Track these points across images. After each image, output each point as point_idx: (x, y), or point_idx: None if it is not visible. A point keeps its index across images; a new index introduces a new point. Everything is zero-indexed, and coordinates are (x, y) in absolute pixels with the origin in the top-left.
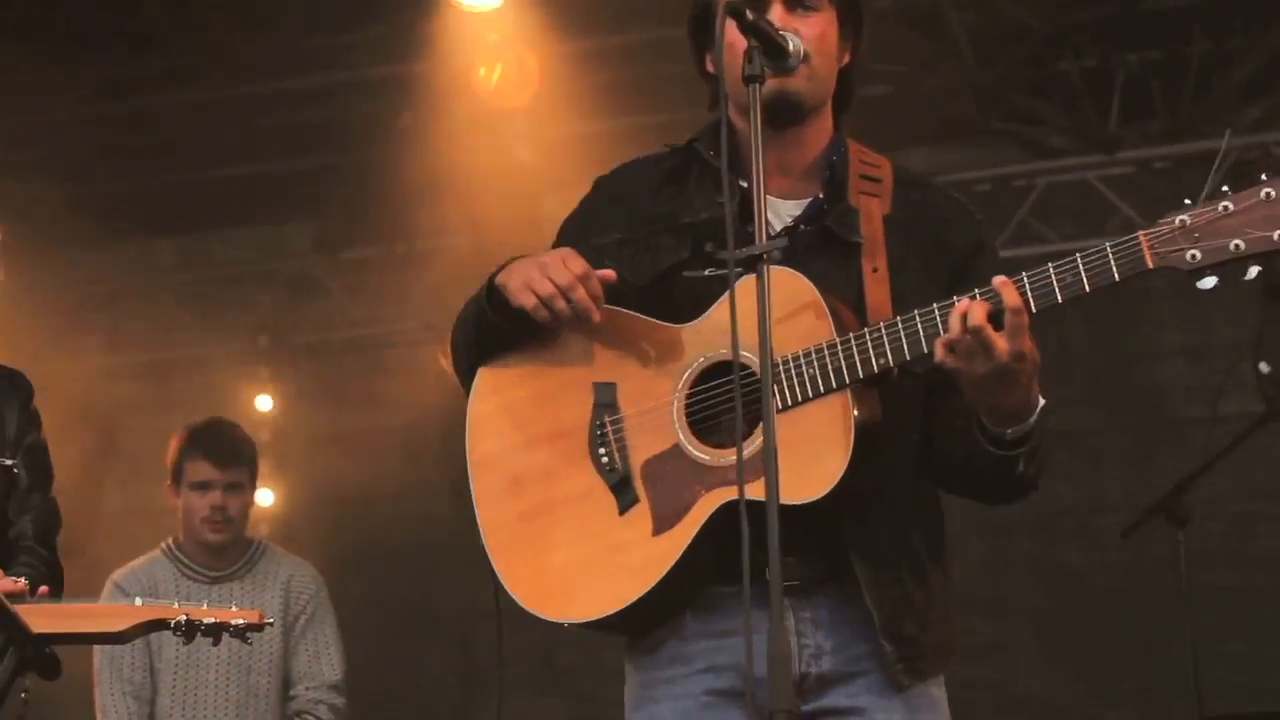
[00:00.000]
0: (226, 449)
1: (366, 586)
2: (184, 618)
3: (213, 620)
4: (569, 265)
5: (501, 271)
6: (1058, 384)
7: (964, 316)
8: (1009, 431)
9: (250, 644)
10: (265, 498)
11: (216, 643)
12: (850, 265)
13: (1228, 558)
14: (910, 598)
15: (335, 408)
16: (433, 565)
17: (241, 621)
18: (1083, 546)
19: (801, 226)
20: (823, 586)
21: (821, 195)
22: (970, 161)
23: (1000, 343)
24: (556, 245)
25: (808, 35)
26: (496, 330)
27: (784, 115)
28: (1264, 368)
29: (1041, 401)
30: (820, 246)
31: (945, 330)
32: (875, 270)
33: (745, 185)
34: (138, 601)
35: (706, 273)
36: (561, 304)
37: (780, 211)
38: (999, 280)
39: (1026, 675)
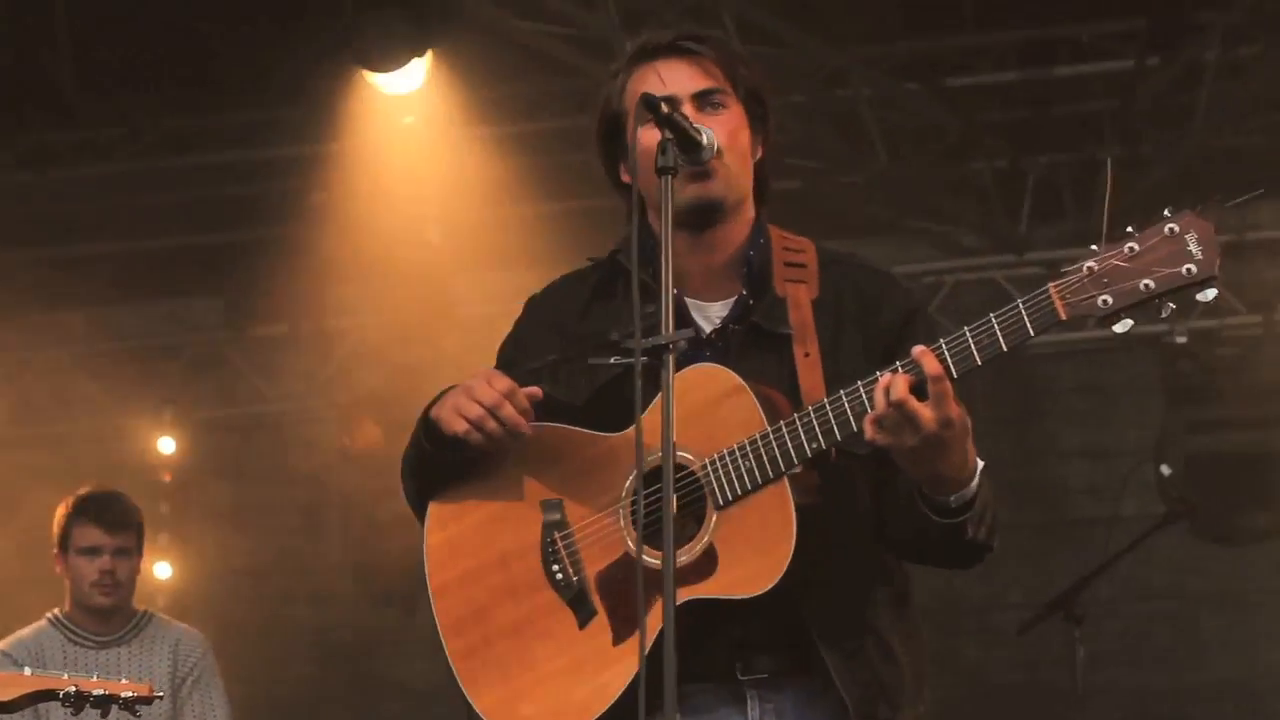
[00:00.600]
0: (115, 514)
1: (262, 662)
2: (73, 688)
3: (102, 692)
4: (494, 384)
5: (434, 405)
6: None
7: (886, 390)
8: (951, 499)
9: (139, 716)
10: (163, 570)
11: (105, 715)
12: (783, 356)
13: (1123, 657)
14: (880, 680)
15: (237, 483)
16: (329, 642)
17: (131, 694)
18: (981, 641)
19: (730, 327)
20: (791, 678)
21: (745, 292)
22: (882, 258)
23: (925, 412)
24: (498, 363)
25: (720, 132)
26: (439, 462)
27: (704, 218)
28: (1165, 470)
29: (980, 464)
30: (752, 343)
31: (872, 407)
32: (807, 355)
33: (674, 291)
34: (26, 671)
35: (612, 360)
36: (492, 424)
37: (709, 314)
38: (918, 350)
39: None
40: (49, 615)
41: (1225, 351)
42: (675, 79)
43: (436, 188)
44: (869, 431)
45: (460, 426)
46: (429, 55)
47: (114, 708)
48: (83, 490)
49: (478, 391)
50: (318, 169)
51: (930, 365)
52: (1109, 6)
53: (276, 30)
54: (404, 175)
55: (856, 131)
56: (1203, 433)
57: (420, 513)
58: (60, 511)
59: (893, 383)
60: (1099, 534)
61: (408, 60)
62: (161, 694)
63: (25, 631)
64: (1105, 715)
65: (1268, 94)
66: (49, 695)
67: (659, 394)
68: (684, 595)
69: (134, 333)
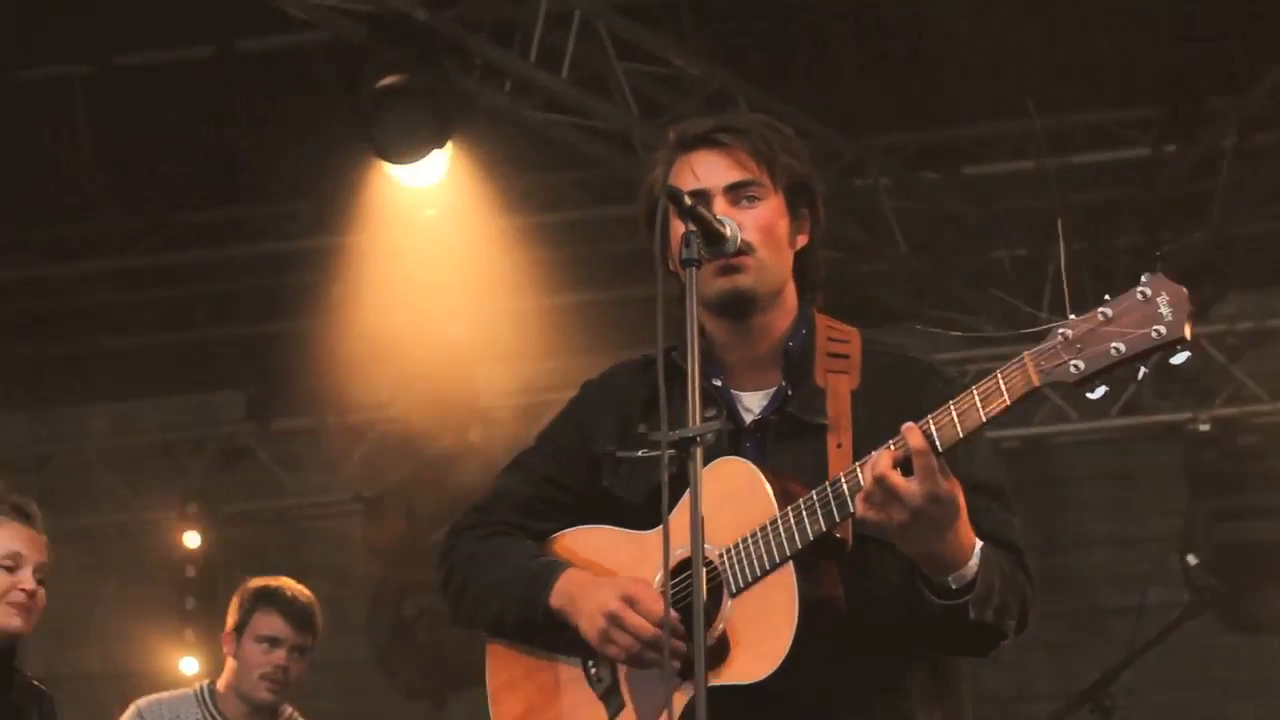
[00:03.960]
0: (303, 611)
1: None
2: None
3: None
4: (648, 615)
5: (555, 592)
6: None
7: (871, 467)
8: (950, 579)
9: None
10: (190, 666)
11: None
12: (818, 446)
13: None
14: None
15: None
16: None
17: None
18: None
19: (768, 417)
20: None
21: (784, 383)
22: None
23: (910, 487)
24: (547, 446)
25: (752, 226)
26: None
27: (738, 309)
28: (1191, 560)
29: (979, 543)
30: (788, 434)
31: (863, 485)
32: (840, 446)
33: (719, 384)
34: None
35: (640, 454)
36: (650, 655)
37: (751, 405)
38: (905, 426)
39: None
40: (198, 686)
41: (1249, 440)
42: (708, 172)
43: (457, 280)
44: (859, 509)
45: (613, 653)
46: (449, 147)
47: None
48: (273, 578)
49: (631, 623)
50: (339, 262)
51: (914, 440)
52: (1126, 94)
53: (297, 123)
54: (425, 267)
55: (876, 220)
56: (1228, 521)
57: (472, 628)
58: (244, 592)
59: (877, 459)
60: (1125, 623)
61: (427, 152)
62: None
63: (167, 696)
64: None
65: None
66: None
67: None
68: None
69: (157, 426)
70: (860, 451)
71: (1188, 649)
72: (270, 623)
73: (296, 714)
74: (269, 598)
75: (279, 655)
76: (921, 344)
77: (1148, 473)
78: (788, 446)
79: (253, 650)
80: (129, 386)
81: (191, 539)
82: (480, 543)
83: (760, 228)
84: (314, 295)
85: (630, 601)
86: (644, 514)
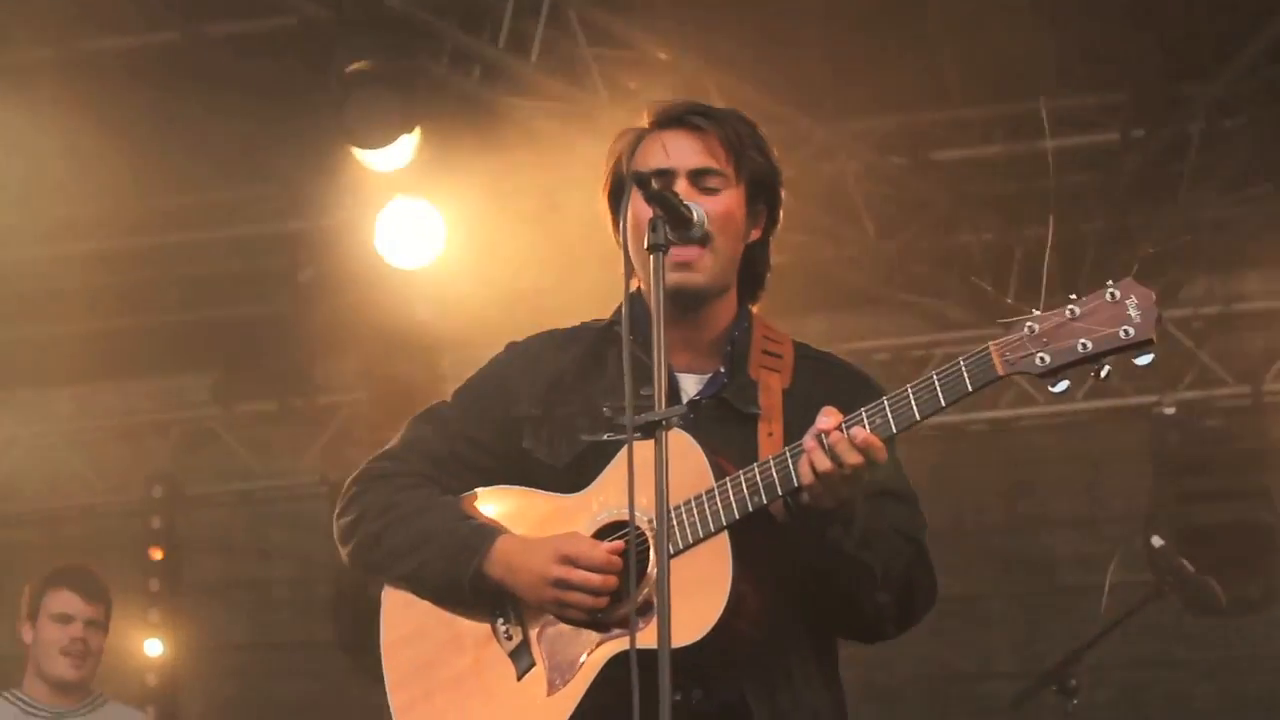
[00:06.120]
0: (91, 585)
1: None
2: None
3: None
4: (592, 564)
5: (491, 560)
6: (948, 549)
7: (818, 435)
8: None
9: None
10: (154, 648)
11: None
12: (748, 433)
13: None
14: None
15: (226, 559)
16: (320, 717)
17: None
18: (972, 713)
19: (702, 400)
20: None
21: (723, 369)
22: (869, 330)
23: (875, 441)
24: (467, 403)
25: (711, 213)
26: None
27: (684, 303)
28: (1156, 541)
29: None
30: (720, 418)
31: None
32: (770, 435)
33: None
34: None
35: (604, 437)
36: (604, 603)
37: (686, 386)
38: (866, 408)
39: None
40: (2, 693)
41: (1213, 423)
42: (678, 152)
43: (425, 263)
44: (814, 464)
45: (571, 615)
46: (417, 131)
47: None
48: (58, 564)
49: (578, 579)
50: (306, 246)
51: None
52: (1094, 80)
53: (265, 107)
54: (392, 251)
55: (843, 205)
56: (1192, 503)
57: (373, 575)
58: (33, 582)
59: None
60: (1087, 602)
61: (396, 137)
62: None
63: None
64: None
65: (1252, 166)
66: None
67: (618, 455)
68: (619, 646)
69: (121, 409)
70: (790, 441)
71: (1151, 629)
72: (61, 599)
73: (112, 700)
74: (57, 577)
75: (75, 628)
76: (888, 326)
77: (1113, 455)
78: (717, 430)
79: (48, 629)
80: (94, 369)
81: (156, 522)
82: (398, 493)
83: (719, 215)
84: (281, 279)
85: (569, 560)
86: (565, 477)
